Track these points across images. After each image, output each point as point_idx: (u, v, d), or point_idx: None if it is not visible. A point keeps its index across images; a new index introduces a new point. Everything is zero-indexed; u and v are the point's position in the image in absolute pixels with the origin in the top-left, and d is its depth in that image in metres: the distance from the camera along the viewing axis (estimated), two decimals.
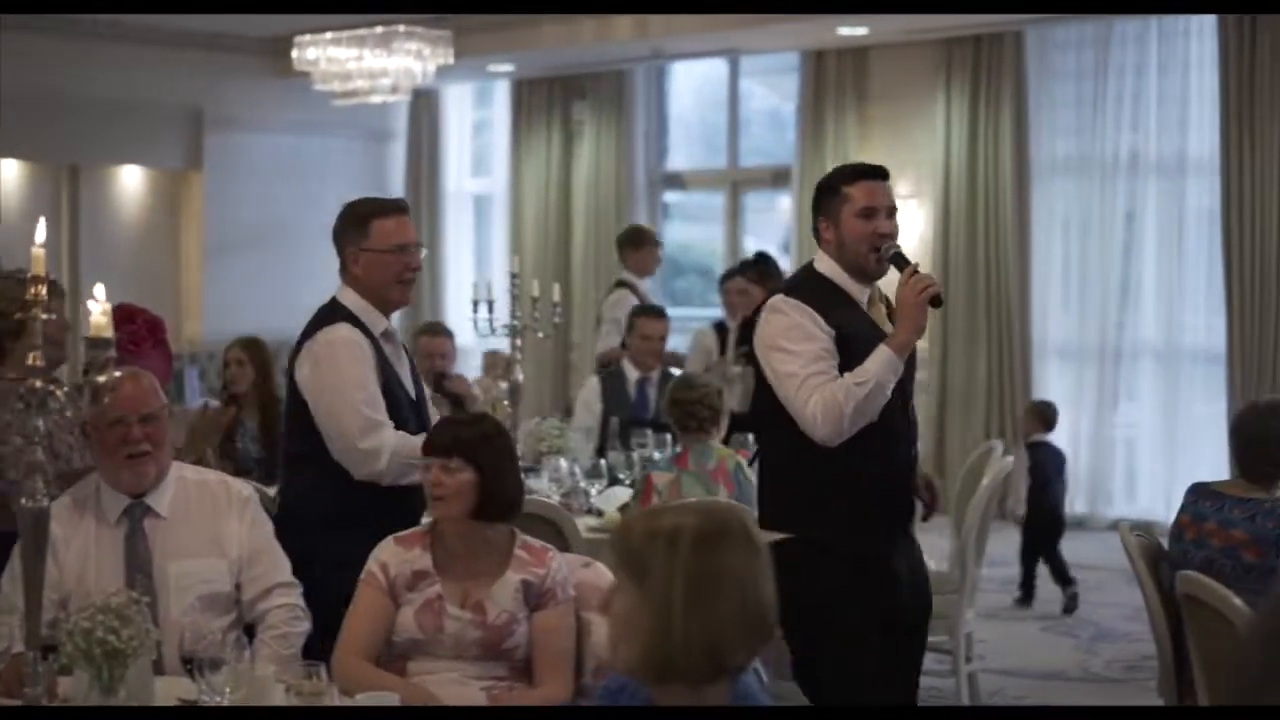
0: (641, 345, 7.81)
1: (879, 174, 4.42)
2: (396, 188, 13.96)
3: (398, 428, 4.52)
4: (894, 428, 4.25)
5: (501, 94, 13.66)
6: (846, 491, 4.20)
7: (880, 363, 4.12)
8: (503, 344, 7.15)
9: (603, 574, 4.02)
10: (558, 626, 3.93)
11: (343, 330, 4.54)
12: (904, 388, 4.27)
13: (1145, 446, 10.86)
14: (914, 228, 11.36)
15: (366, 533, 4.13)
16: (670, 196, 13.23)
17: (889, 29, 10.97)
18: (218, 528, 4.14)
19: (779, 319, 4.22)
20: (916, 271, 4.21)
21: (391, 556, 4.00)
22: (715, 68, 12.74)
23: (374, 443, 4.44)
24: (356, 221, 4.64)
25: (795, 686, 4.44)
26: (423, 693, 3.81)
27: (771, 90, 12.98)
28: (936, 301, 4.17)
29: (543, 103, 13.16)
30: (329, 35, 9.43)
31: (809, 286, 4.28)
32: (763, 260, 8.95)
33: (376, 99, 9.57)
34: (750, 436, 6.12)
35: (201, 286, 13.07)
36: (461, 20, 11.03)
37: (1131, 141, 10.69)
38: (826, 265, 4.30)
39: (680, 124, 13.38)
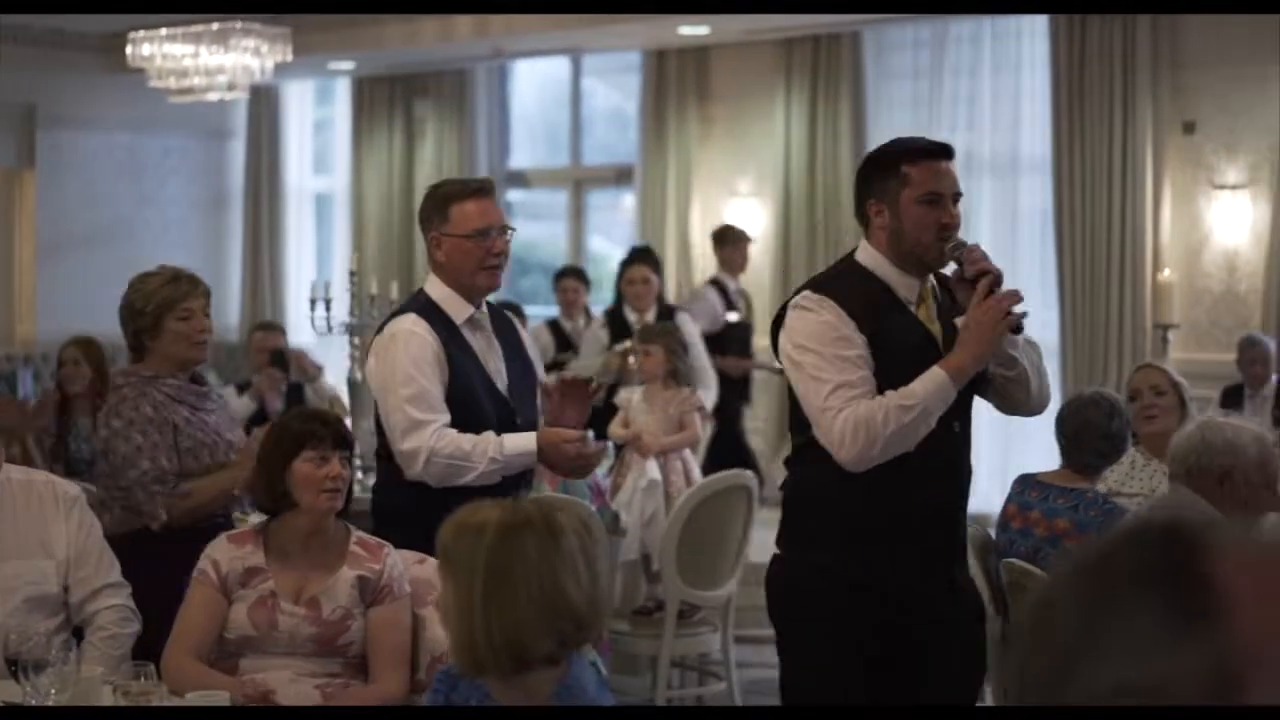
0: None
1: (946, 153, 3.88)
2: (236, 186, 13.80)
3: (471, 424, 4.30)
4: (942, 459, 3.72)
5: (342, 92, 13.56)
6: (877, 526, 3.66)
7: (932, 386, 3.56)
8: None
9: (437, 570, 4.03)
10: (393, 622, 3.93)
11: (405, 322, 4.38)
12: (963, 410, 3.75)
13: (982, 439, 10.92)
14: (755, 225, 11.45)
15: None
16: (514, 195, 13.21)
17: (729, 29, 11.06)
18: (45, 529, 4.08)
19: (806, 318, 3.66)
20: (997, 286, 3.68)
21: (223, 554, 3.97)
22: (558, 66, 12.76)
23: (412, 444, 4.25)
24: (437, 205, 4.45)
25: None
26: (258, 689, 3.79)
27: (614, 89, 13.03)
28: (1018, 328, 3.68)
29: (384, 101, 13.08)
30: (164, 31, 9.29)
31: (846, 282, 3.75)
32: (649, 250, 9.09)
33: (213, 96, 9.45)
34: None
35: (35, 286, 12.81)
36: (300, 17, 10.92)
37: (966, 140, 10.85)
38: (870, 256, 3.78)
39: (523, 122, 13.37)
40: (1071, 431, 4.78)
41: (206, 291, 4.72)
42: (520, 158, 13.20)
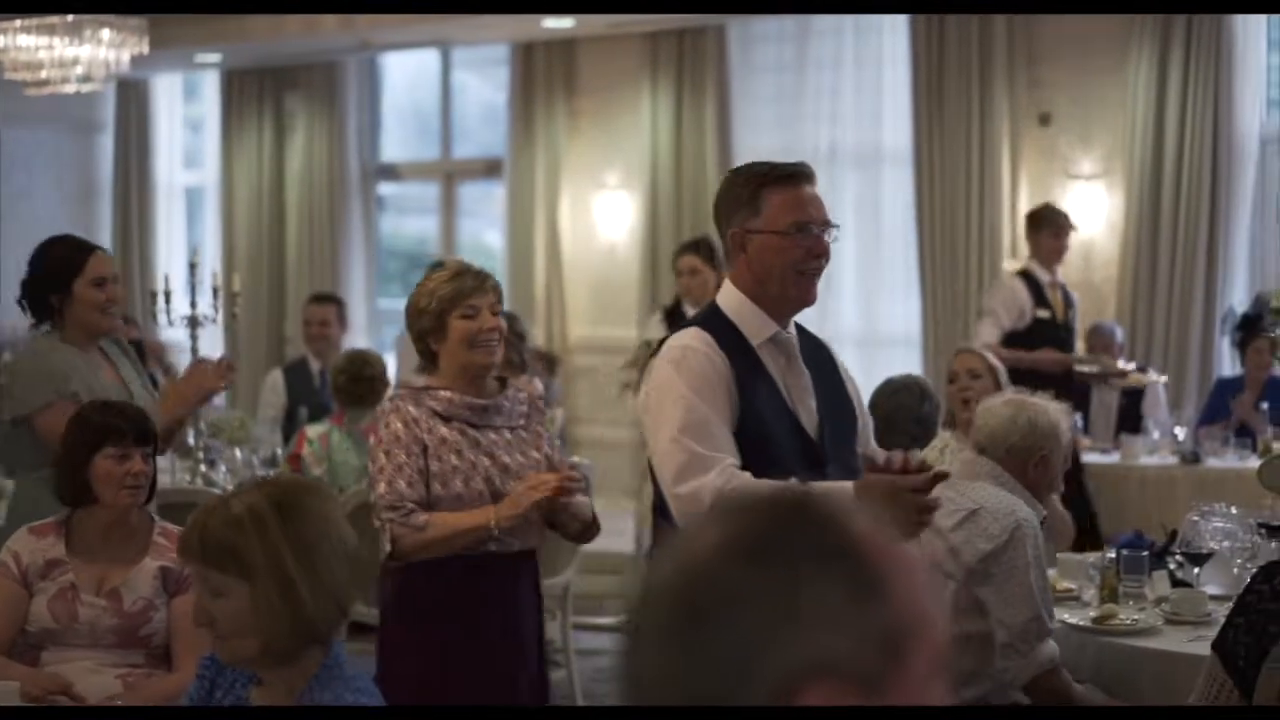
0: (306, 331, 7.93)
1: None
2: (105, 180, 13.66)
3: (765, 470, 3.36)
4: None
5: (211, 85, 13.47)
6: None
7: None
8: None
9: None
10: None
11: (685, 336, 3.54)
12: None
13: None
14: (623, 219, 11.51)
15: None
16: (385, 188, 13.19)
17: (595, 22, 11.09)
18: None
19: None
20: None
21: (24, 546, 3.96)
22: (428, 59, 12.74)
23: (691, 486, 3.37)
24: (743, 191, 3.55)
25: None
26: (56, 680, 3.78)
27: (485, 81, 13.03)
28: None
29: (253, 94, 12.99)
30: (18, 23, 9.19)
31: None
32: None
33: (70, 89, 9.34)
34: None
35: None
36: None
37: (830, 134, 10.98)
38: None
39: (394, 115, 13.34)
40: (884, 415, 4.87)
41: (495, 287, 4.17)
42: (391, 151, 13.17)
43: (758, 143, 11.21)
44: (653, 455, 3.50)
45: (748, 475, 3.37)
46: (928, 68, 10.38)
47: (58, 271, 4.69)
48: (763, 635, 1.25)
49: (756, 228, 3.49)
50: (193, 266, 6.47)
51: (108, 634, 3.89)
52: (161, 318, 6.48)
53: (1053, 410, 4.42)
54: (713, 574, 1.29)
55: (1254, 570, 3.85)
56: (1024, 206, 10.31)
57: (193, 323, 6.46)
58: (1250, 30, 9.57)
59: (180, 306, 6.50)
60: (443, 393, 4.08)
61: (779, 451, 3.48)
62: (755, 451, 3.43)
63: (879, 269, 10.95)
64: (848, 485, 3.34)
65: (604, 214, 11.60)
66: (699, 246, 8.02)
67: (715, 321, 3.56)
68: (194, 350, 6.46)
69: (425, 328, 4.12)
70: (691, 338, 3.51)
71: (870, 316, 10.98)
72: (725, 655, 1.26)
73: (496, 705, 4.06)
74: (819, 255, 3.51)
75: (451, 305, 4.08)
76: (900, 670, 1.27)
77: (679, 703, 1.29)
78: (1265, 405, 7.97)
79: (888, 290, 10.95)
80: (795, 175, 3.53)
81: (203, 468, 6.41)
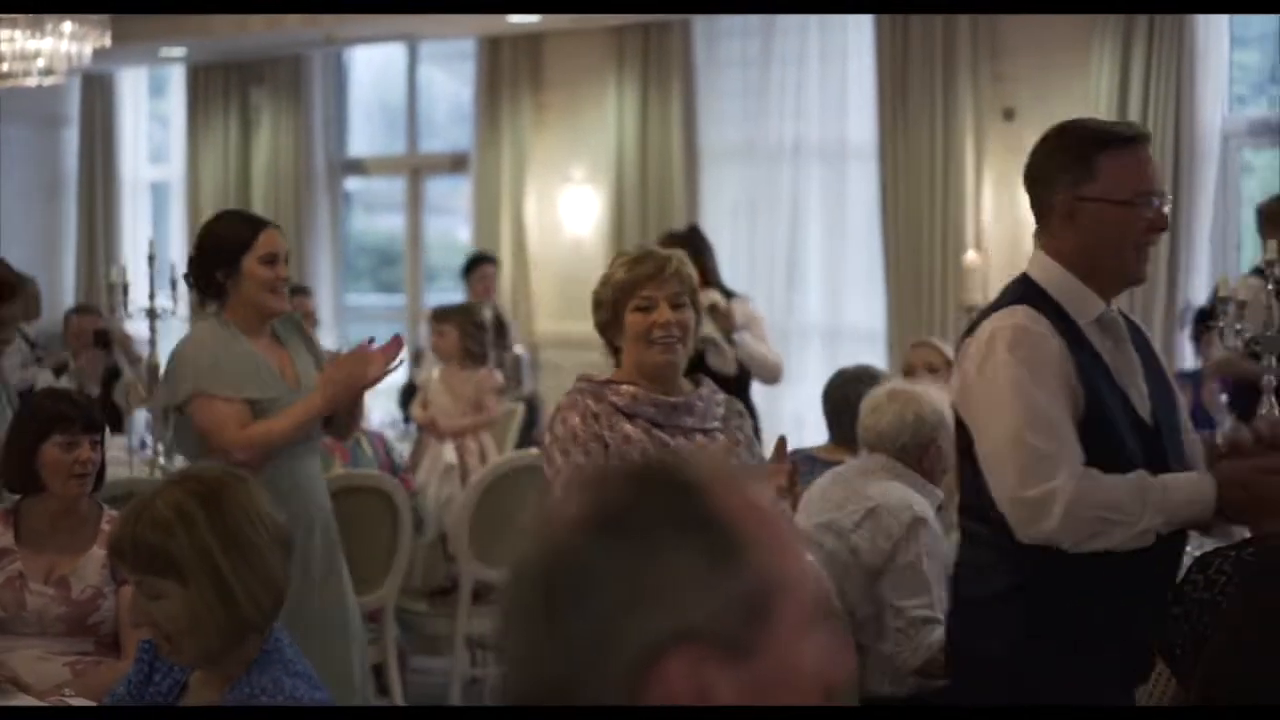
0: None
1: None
2: (70, 175, 13.62)
3: (1112, 459, 3.08)
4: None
5: (177, 80, 13.43)
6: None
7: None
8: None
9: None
10: None
11: (1014, 315, 3.14)
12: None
13: (813, 422, 11.14)
14: (589, 213, 11.52)
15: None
16: (351, 184, 13.17)
17: (560, 17, 11.08)
18: None
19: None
20: None
21: None
22: (395, 53, 12.72)
23: (1041, 488, 3.01)
24: (1075, 152, 3.18)
25: None
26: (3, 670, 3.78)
27: (452, 76, 13.02)
28: None
29: (219, 89, 12.95)
30: None
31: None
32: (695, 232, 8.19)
33: (31, 82, 9.32)
34: None
35: None
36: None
37: (795, 129, 10.99)
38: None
39: (361, 110, 13.31)
40: (834, 407, 4.89)
41: (680, 273, 3.71)
42: (358, 146, 13.15)
43: (723, 137, 11.23)
44: (983, 452, 3.12)
45: (1101, 475, 3.05)
46: (892, 63, 10.40)
47: (224, 248, 4.41)
48: (618, 608, 1.26)
49: (1092, 194, 3.13)
50: (151, 259, 6.45)
51: (56, 622, 3.89)
52: (119, 310, 6.47)
53: (933, 395, 4.43)
54: (569, 549, 1.29)
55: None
56: (988, 201, 10.36)
57: (151, 315, 6.44)
58: (1212, 26, 9.60)
59: (139, 298, 6.49)
60: (625, 387, 3.67)
61: (1120, 444, 3.14)
62: (1097, 445, 3.09)
63: (844, 263, 10.97)
64: (1195, 476, 3.13)
65: (570, 209, 11.60)
66: (689, 238, 7.93)
67: (1037, 298, 3.17)
68: (152, 343, 6.45)
69: (602, 321, 3.73)
70: (1023, 316, 3.12)
71: (835, 310, 11.00)
72: (583, 631, 1.26)
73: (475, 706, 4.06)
74: (1161, 228, 3.19)
75: (626, 296, 3.67)
76: (767, 631, 1.28)
77: (545, 682, 1.28)
78: (1224, 397, 8.00)
79: (852, 284, 10.97)
80: (1136, 138, 3.20)
81: (161, 459, 6.40)
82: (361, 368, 4.34)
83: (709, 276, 7.84)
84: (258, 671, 2.69)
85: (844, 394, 4.83)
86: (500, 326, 8.38)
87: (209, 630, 2.63)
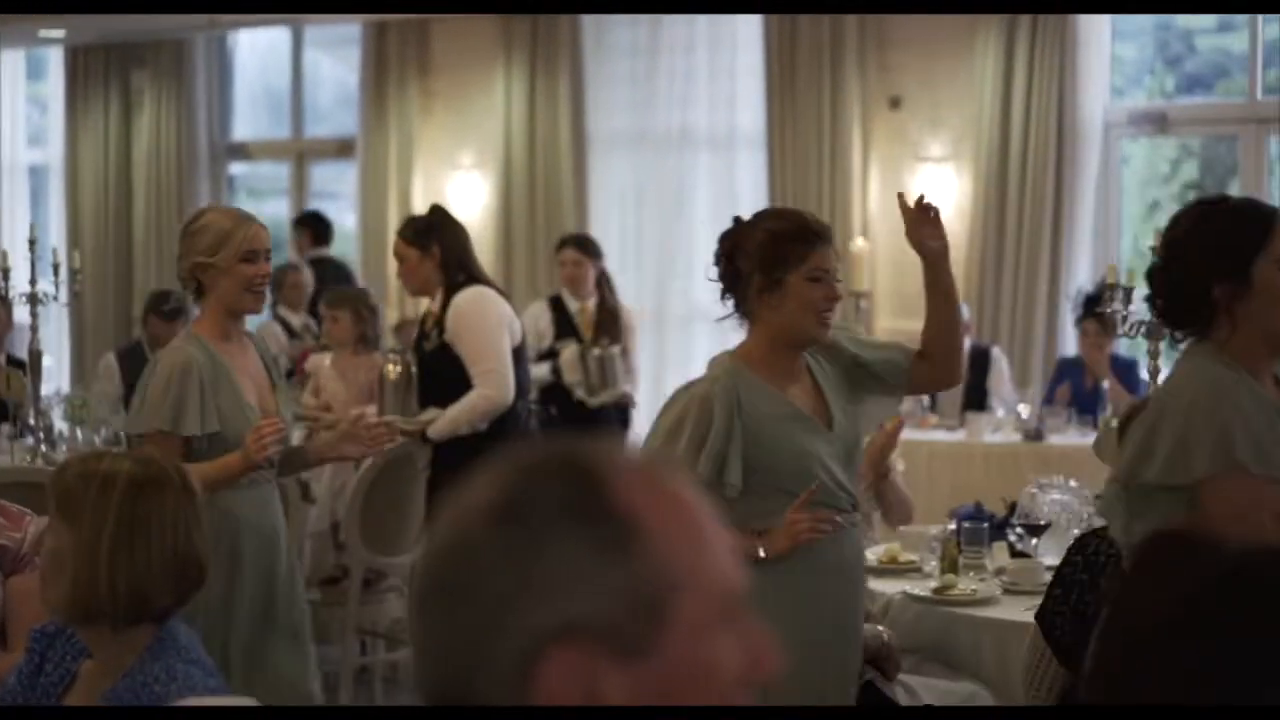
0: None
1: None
2: None
3: None
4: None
5: (56, 62, 13.19)
6: None
7: None
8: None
9: None
10: (33, 591, 3.85)
11: None
12: None
13: None
14: (476, 199, 11.47)
15: None
16: (236, 168, 13.01)
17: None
18: None
19: None
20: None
21: None
22: (279, 37, 12.58)
23: None
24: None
25: None
26: None
27: (338, 61, 12.90)
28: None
29: (99, 71, 12.74)
30: None
31: None
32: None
33: None
34: None
35: None
36: None
37: (683, 116, 11.01)
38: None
39: (245, 94, 13.15)
40: None
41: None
42: (242, 130, 12.99)
43: (612, 124, 11.23)
44: None
45: None
46: (780, 51, 10.45)
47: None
48: (504, 599, 1.24)
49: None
50: (32, 243, 6.34)
51: None
52: None
53: None
54: (464, 537, 1.28)
55: None
56: (874, 189, 10.45)
57: (32, 300, 6.33)
58: (1094, 19, 9.75)
59: (20, 284, 6.38)
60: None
61: None
62: None
63: None
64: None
65: (458, 195, 11.54)
66: (580, 240, 8.23)
67: None
68: (34, 328, 6.34)
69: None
70: None
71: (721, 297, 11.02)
72: (471, 621, 1.25)
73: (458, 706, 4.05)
74: None
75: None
76: (664, 629, 1.24)
77: (442, 674, 1.27)
78: (1105, 385, 8.13)
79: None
80: None
81: (43, 447, 6.30)
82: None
83: (605, 281, 7.96)
84: (150, 659, 2.68)
85: None
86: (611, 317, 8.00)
87: (65, 584, 2.69)
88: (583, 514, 1.25)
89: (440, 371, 5.57)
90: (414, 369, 5.78)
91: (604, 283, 7.87)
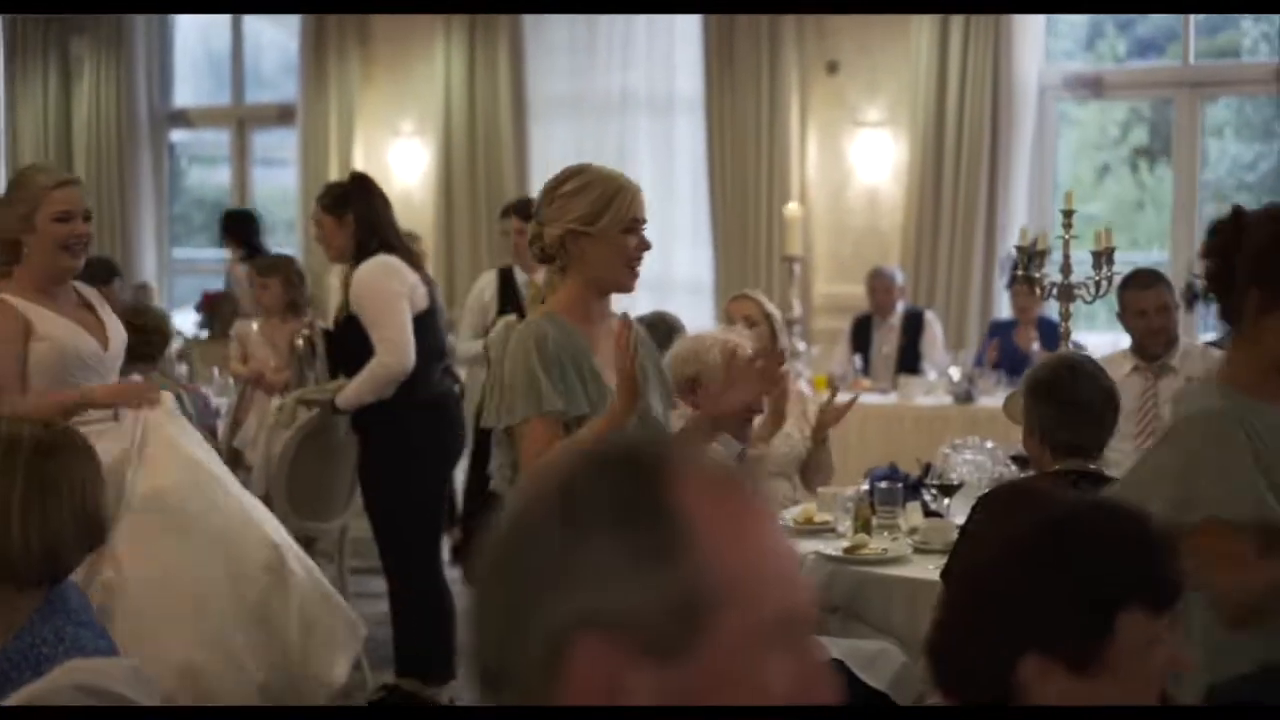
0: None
1: None
2: None
3: None
4: None
5: None
6: None
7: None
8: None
9: None
10: None
11: None
12: None
13: None
14: (417, 166, 11.48)
15: None
16: (177, 135, 12.97)
17: None
18: None
19: None
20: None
21: None
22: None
23: None
24: None
25: None
26: None
27: (278, 27, 12.85)
28: None
29: (38, 39, 12.67)
30: None
31: None
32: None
33: None
34: None
35: None
36: None
37: (622, 81, 11.03)
38: None
39: (186, 61, 13.09)
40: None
41: None
42: (183, 97, 12.94)
43: (552, 90, 11.24)
44: None
45: None
46: (718, 16, 10.47)
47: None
48: (540, 584, 1.24)
49: None
50: None
51: None
52: None
53: (695, 336, 4.70)
54: (518, 519, 1.29)
55: None
56: (812, 153, 10.49)
57: None
58: None
59: None
60: None
61: None
62: None
63: (671, 216, 11.01)
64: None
65: (399, 161, 11.55)
66: (523, 207, 7.44)
67: None
68: None
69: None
70: None
71: (663, 262, 11.04)
72: (508, 601, 1.26)
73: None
74: None
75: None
76: (702, 637, 1.23)
77: (481, 654, 1.28)
78: (1036, 346, 8.21)
79: (680, 236, 11.04)
80: None
81: None
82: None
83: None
84: (40, 621, 2.73)
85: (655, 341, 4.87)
86: None
87: None
88: (632, 510, 1.25)
89: (349, 340, 5.60)
90: (317, 339, 5.79)
91: None
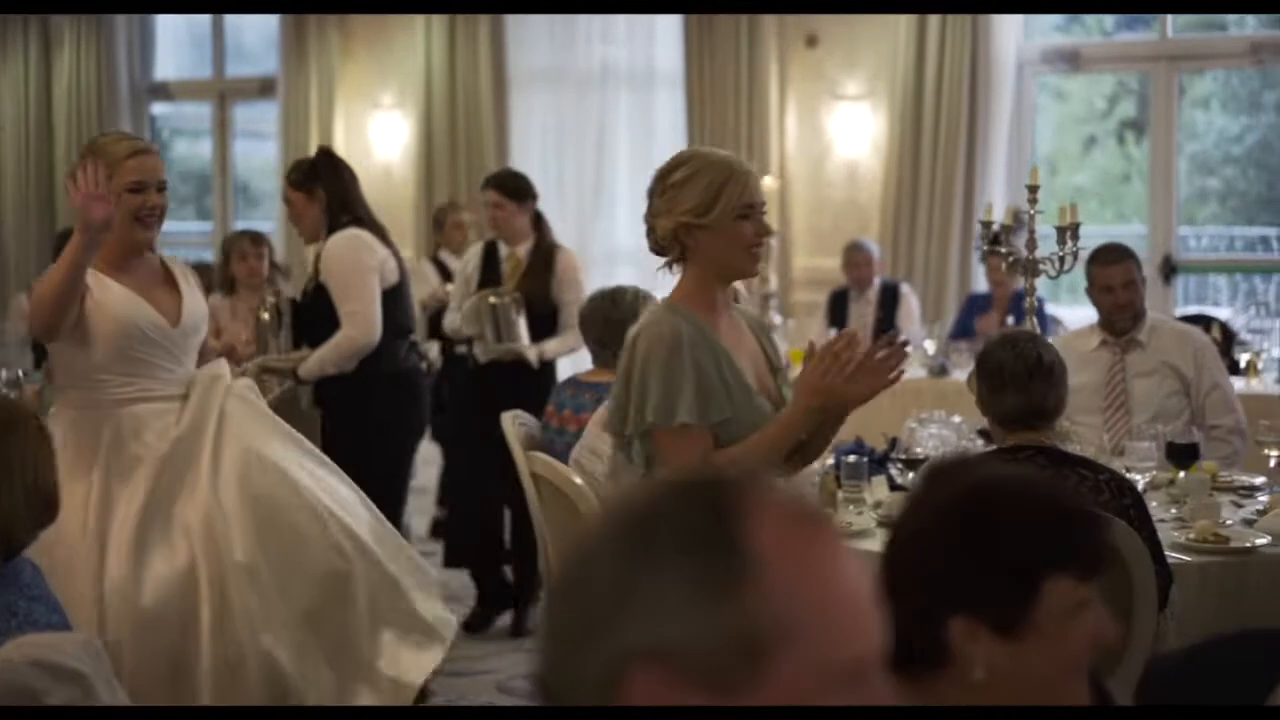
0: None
1: None
2: None
3: None
4: None
5: None
6: None
7: None
8: None
9: None
10: None
11: None
12: None
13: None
14: (398, 139, 11.48)
15: None
16: (158, 108, 12.95)
17: None
18: None
19: None
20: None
21: None
22: None
23: None
24: None
25: None
26: None
27: None
28: None
29: (17, 10, 12.63)
30: None
31: None
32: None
33: None
34: None
35: None
36: None
37: (602, 54, 11.03)
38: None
39: (168, 33, 13.06)
40: (593, 330, 4.99)
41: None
42: (164, 69, 12.92)
43: (533, 63, 11.24)
44: None
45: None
46: None
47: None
48: (604, 610, 1.24)
49: None
50: None
51: None
52: None
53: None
54: (594, 541, 1.29)
55: None
56: (791, 127, 10.50)
57: None
58: None
59: None
60: None
61: None
62: None
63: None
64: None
65: (379, 134, 11.56)
66: (500, 180, 7.10)
67: None
68: None
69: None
70: None
71: (642, 234, 11.05)
72: (573, 623, 1.26)
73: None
74: None
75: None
76: (763, 674, 1.22)
77: (541, 662, 1.28)
78: (1010, 320, 8.23)
79: None
80: None
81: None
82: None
83: (541, 225, 7.02)
84: None
85: (603, 315, 4.91)
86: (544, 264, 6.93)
87: None
88: (702, 543, 1.23)
89: (317, 312, 5.62)
90: (284, 308, 5.81)
91: (541, 227, 6.89)
